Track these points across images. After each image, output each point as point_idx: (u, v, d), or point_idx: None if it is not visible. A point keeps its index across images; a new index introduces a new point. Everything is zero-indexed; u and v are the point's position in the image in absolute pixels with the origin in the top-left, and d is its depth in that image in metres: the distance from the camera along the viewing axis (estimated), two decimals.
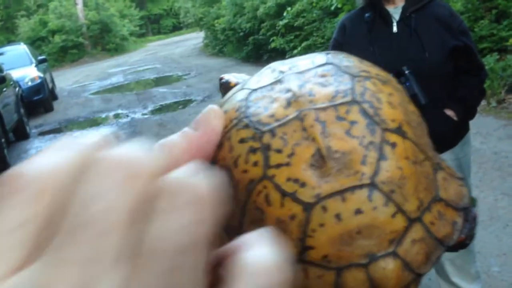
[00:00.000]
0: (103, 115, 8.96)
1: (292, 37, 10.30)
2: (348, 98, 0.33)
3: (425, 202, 0.32)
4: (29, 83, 9.72)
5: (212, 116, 0.34)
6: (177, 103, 8.76)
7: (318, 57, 0.38)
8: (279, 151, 0.32)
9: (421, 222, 0.32)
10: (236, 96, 0.37)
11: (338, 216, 0.30)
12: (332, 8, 8.46)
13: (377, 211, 0.30)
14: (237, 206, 0.33)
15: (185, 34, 30.36)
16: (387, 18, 1.83)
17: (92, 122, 8.54)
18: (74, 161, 0.19)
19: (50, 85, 11.42)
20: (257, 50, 11.92)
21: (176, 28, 36.41)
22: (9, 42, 19.72)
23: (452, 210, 0.34)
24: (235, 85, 0.44)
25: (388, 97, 0.34)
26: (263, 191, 0.32)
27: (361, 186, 0.30)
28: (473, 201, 0.37)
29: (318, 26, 9.68)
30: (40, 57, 11.27)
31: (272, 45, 10.48)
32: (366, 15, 1.87)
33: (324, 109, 0.33)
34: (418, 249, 0.31)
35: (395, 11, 1.83)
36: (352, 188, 0.30)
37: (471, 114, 1.89)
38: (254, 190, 0.32)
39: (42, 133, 8.40)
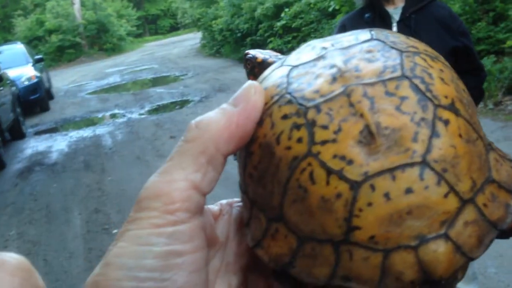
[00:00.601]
0: (100, 115, 8.93)
1: (290, 38, 10.31)
2: (397, 73, 0.32)
3: (478, 183, 0.31)
4: (26, 83, 9.70)
5: (252, 92, 0.33)
6: (174, 103, 8.74)
7: (362, 34, 0.36)
8: (325, 127, 0.30)
9: (474, 204, 0.30)
10: (276, 73, 0.35)
11: (387, 195, 0.28)
12: (330, 9, 8.49)
13: (428, 190, 0.29)
14: (277, 185, 0.32)
15: (182, 34, 30.38)
16: (387, 18, 1.83)
17: (89, 122, 8.51)
18: None
19: (47, 85, 11.40)
20: None
21: (174, 29, 36.41)
22: (6, 41, 19.65)
23: (505, 193, 0.32)
24: (262, 60, 0.43)
25: (440, 73, 0.33)
26: (307, 169, 0.30)
27: (412, 164, 0.29)
28: None
29: (315, 27, 9.70)
30: (36, 57, 11.25)
31: (270, 46, 10.48)
32: (366, 15, 1.87)
33: (372, 84, 0.31)
34: (470, 232, 0.29)
35: (395, 12, 1.83)
36: (403, 166, 0.29)
37: None
38: (298, 168, 0.31)
39: (38, 133, 8.37)
